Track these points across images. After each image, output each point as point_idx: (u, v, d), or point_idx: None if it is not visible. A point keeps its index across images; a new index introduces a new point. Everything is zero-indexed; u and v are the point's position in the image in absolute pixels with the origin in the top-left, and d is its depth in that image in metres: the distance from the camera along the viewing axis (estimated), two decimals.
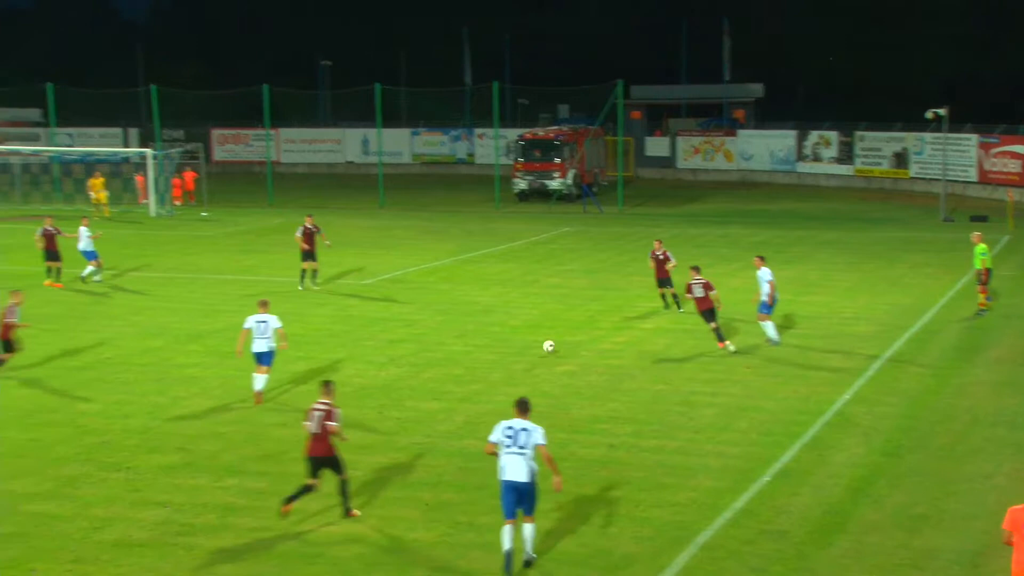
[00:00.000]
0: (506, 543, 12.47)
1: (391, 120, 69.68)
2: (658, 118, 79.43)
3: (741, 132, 69.60)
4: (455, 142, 75.03)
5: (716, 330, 23.12)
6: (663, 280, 27.28)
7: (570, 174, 55.89)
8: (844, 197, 57.01)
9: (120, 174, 54.24)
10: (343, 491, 14.22)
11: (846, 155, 62.10)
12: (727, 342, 23.10)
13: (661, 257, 27.41)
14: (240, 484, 15.35)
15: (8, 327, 20.96)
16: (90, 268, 31.85)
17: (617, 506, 14.60)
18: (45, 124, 69.30)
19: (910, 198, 55.63)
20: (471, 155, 74.28)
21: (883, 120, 62.16)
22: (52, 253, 31.54)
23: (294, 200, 56.24)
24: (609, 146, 63.03)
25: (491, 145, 64.07)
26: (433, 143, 75.32)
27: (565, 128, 61.09)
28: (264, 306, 19.74)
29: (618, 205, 52.34)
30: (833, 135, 63.14)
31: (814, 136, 64.15)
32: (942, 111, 46.96)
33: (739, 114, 78.83)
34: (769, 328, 23.39)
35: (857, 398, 19.65)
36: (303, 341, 24.36)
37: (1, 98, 76.85)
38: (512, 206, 54.23)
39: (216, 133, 77.45)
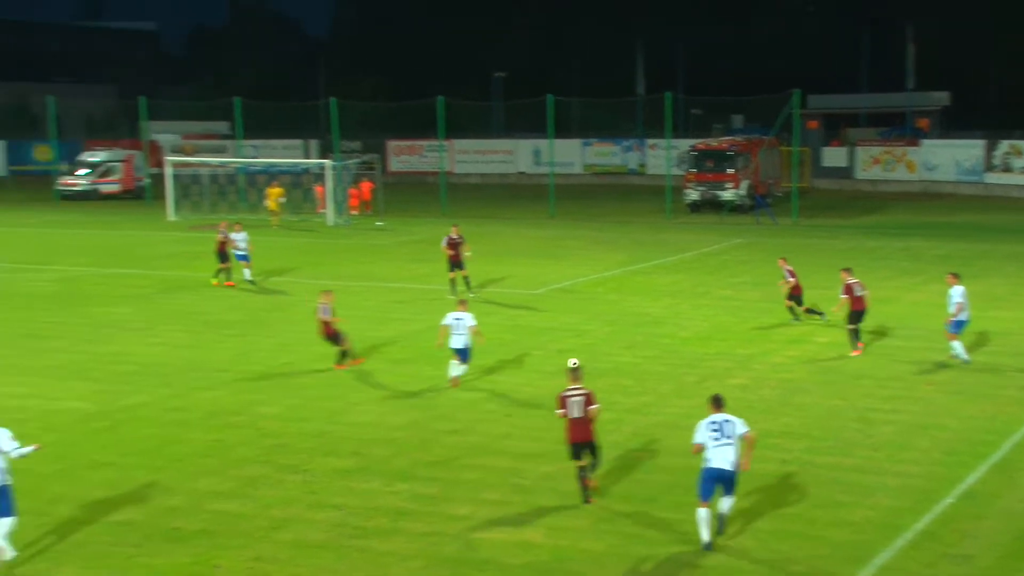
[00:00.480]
0: (704, 529, 13.43)
1: (563, 131, 69.97)
2: (836, 128, 77.41)
3: (925, 142, 67.23)
4: (627, 153, 74.88)
5: (856, 332, 23.26)
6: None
7: (743, 185, 55.08)
8: None
9: (300, 184, 56.22)
10: (593, 468, 15.08)
11: None
12: (860, 348, 23.23)
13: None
14: (411, 489, 15.63)
15: (326, 323, 22.54)
16: (246, 271, 33.57)
17: (790, 523, 14.24)
18: (232, 136, 72.45)
19: None
20: (642, 166, 73.99)
21: None
22: (223, 255, 33.67)
23: (466, 210, 57.07)
24: (784, 156, 61.78)
25: (663, 156, 63.65)
26: (604, 154, 75.34)
27: (739, 138, 60.31)
28: (463, 304, 21.52)
29: (792, 216, 51.23)
30: None
31: (1004, 146, 61.37)
32: None
33: (923, 123, 76.10)
34: (957, 347, 22.49)
35: None
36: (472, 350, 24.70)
37: (193, 112, 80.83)
38: (683, 217, 53.71)
39: (392, 144, 79.39)
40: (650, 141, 73.07)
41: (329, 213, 51.37)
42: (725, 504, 13.66)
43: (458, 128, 74.17)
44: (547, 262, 38.24)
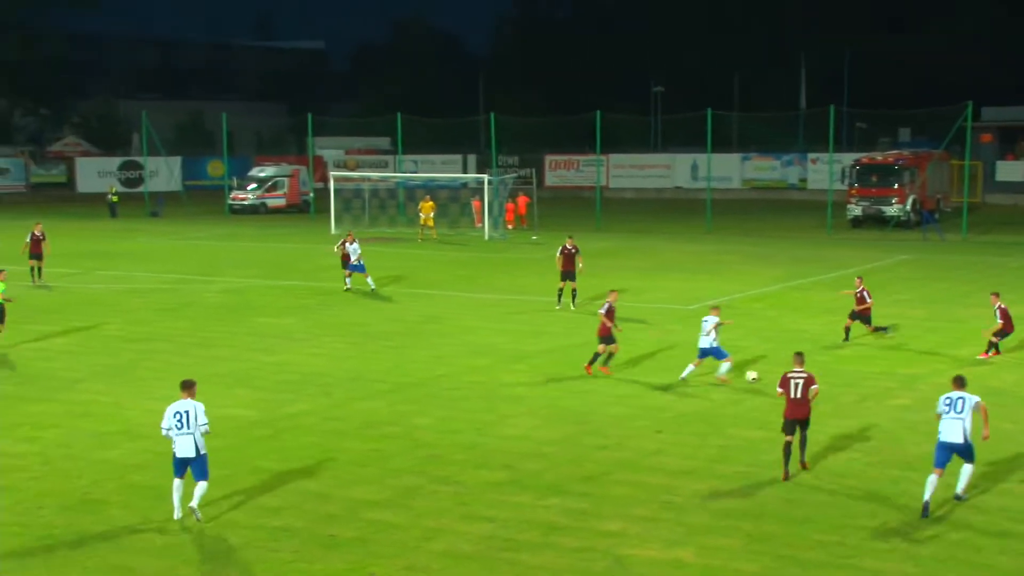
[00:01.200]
0: (928, 490, 14.99)
1: (721, 145, 69.15)
2: (1012, 141, 74.21)
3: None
4: (787, 167, 73.57)
5: (995, 344, 24.45)
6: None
7: (909, 200, 53.44)
8: None
9: (458, 199, 57.05)
10: (803, 445, 17.02)
11: None
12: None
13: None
14: (562, 504, 15.64)
15: (603, 322, 23.43)
16: (368, 280, 34.91)
17: (956, 550, 13.71)
18: (393, 152, 74.13)
19: None
20: (803, 180, 72.58)
21: None
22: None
23: (621, 224, 56.94)
24: (955, 171, 59.63)
25: (824, 170, 62.30)
26: (764, 168, 74.17)
27: (906, 152, 58.56)
28: (715, 310, 23.07)
29: (962, 233, 49.38)
30: None
31: None
32: None
33: (986, 138, 72.44)
34: None
35: None
36: (622, 366, 24.59)
37: (357, 128, 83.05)
38: (844, 232, 52.38)
39: (548, 159, 79.89)
40: (811, 155, 71.66)
41: (486, 227, 51.99)
42: (966, 471, 15.48)
43: (615, 142, 74.15)
44: (703, 277, 37.82)
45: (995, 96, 73.82)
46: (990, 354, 24.81)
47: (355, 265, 34.98)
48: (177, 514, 14.94)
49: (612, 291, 24.41)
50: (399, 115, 61.74)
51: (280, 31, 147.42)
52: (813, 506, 15.36)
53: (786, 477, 16.51)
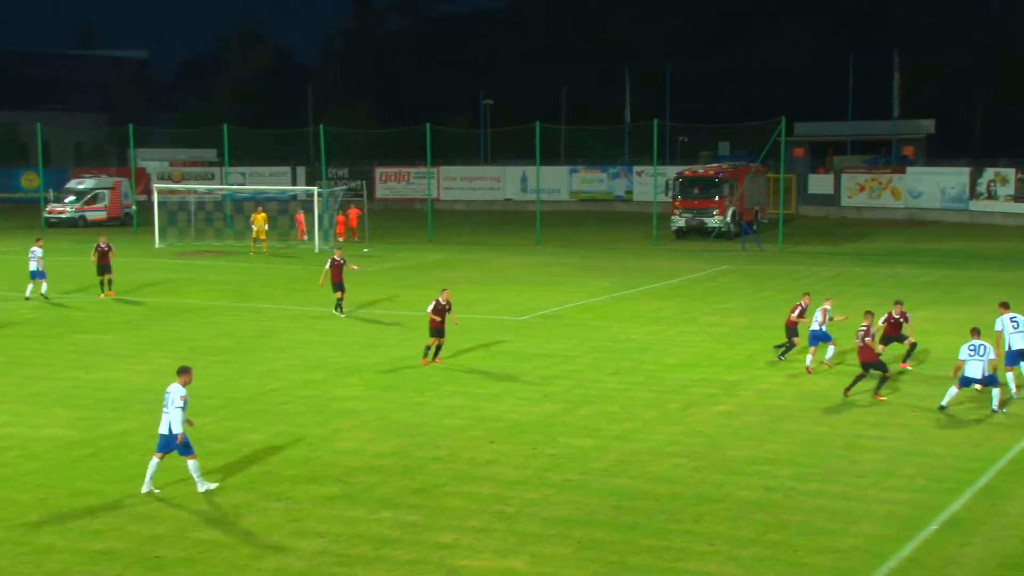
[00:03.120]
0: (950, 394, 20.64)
1: (550, 158, 70.25)
2: (822, 155, 77.79)
3: (910, 169, 67.60)
4: (613, 179, 75.10)
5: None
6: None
7: (729, 211, 55.28)
8: (1022, 237, 54.58)
9: (288, 211, 56.17)
10: (881, 382, 21.73)
11: None
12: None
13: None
14: (395, 517, 15.54)
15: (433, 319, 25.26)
16: (44, 286, 35.58)
17: (775, 550, 14.21)
18: (220, 163, 72.46)
19: None
20: (629, 192, 74.20)
21: None
22: (103, 268, 36.69)
23: (453, 236, 57.12)
24: (770, 183, 62.04)
25: (650, 182, 63.90)
26: (591, 180, 75.54)
27: (725, 165, 60.54)
28: (829, 300, 26.34)
29: (778, 243, 51.41)
30: (1010, 172, 60.60)
31: (989, 173, 61.74)
32: None
33: (908, 151, 76.56)
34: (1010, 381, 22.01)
35: None
36: (454, 375, 24.68)
37: (182, 139, 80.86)
38: (669, 243, 53.85)
39: (379, 171, 79.48)
40: (637, 168, 73.32)
41: (316, 239, 51.32)
42: (995, 394, 20.61)
43: (445, 155, 74.38)
44: (533, 289, 38.26)
45: (807, 113, 77.31)
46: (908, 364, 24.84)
47: (37, 272, 35.15)
48: (146, 487, 16.41)
49: (444, 289, 26.14)
50: (225, 126, 60.41)
51: (102, 40, 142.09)
52: (641, 512, 15.69)
53: (845, 394, 22.08)
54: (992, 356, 20.55)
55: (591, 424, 20.43)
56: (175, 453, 16.52)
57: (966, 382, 20.61)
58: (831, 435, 19.56)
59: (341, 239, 54.28)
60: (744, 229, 52.98)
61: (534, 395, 22.68)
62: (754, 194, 58.74)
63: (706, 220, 55.11)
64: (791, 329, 25.85)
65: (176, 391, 16.38)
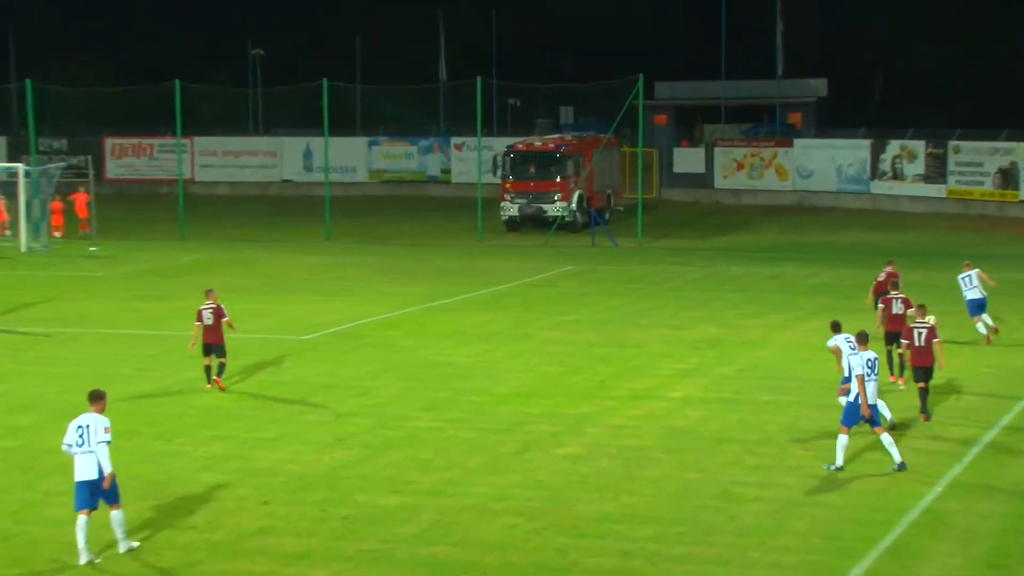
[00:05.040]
0: (843, 446, 20.71)
1: (342, 127, 69.82)
2: (690, 124, 79.91)
3: (798, 142, 69.84)
4: (425, 155, 75.19)
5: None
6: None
7: (574, 196, 56.01)
8: (933, 226, 57.12)
9: None
10: (923, 396, 23.66)
11: (936, 172, 62.27)
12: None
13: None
14: None
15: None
16: None
17: None
18: None
19: (1022, 228, 55.76)
20: (446, 172, 74.42)
21: (986, 126, 62.38)
22: None
23: (213, 229, 56.17)
24: (626, 160, 63.22)
25: (472, 159, 64.20)
26: (396, 156, 75.45)
27: (568, 137, 61.40)
28: (967, 265, 31.06)
29: (637, 237, 52.39)
30: (919, 146, 63.35)
31: (894, 147, 64.38)
32: None
33: (795, 119, 79.25)
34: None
35: (952, 491, 19.50)
36: (215, 414, 24.32)
37: None
38: (499, 238, 54.27)
39: (111, 143, 77.38)
40: (455, 140, 73.57)
41: (22, 235, 49.63)
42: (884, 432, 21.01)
43: (202, 122, 73.05)
44: (321, 299, 37.96)
45: (671, 71, 79.02)
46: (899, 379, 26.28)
47: None
48: (84, 558, 16.54)
49: (209, 290, 26.94)
50: None
51: None
52: None
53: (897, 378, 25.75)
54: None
55: (398, 475, 20.32)
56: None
57: (851, 414, 20.77)
58: (703, 483, 19.94)
59: (57, 235, 52.68)
60: (593, 219, 53.73)
61: (323, 439, 22.46)
62: (606, 174, 59.70)
63: (545, 207, 55.70)
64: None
65: (98, 422, 16.91)
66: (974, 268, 31.31)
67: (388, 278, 42.40)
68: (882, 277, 30.31)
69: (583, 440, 22.42)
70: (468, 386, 26.54)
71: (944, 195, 61.93)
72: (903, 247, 49.83)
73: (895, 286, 27.66)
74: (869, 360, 20.68)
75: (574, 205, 55.92)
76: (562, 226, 55.05)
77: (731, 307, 35.73)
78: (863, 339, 21.06)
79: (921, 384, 23.61)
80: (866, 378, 20.51)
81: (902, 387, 25.72)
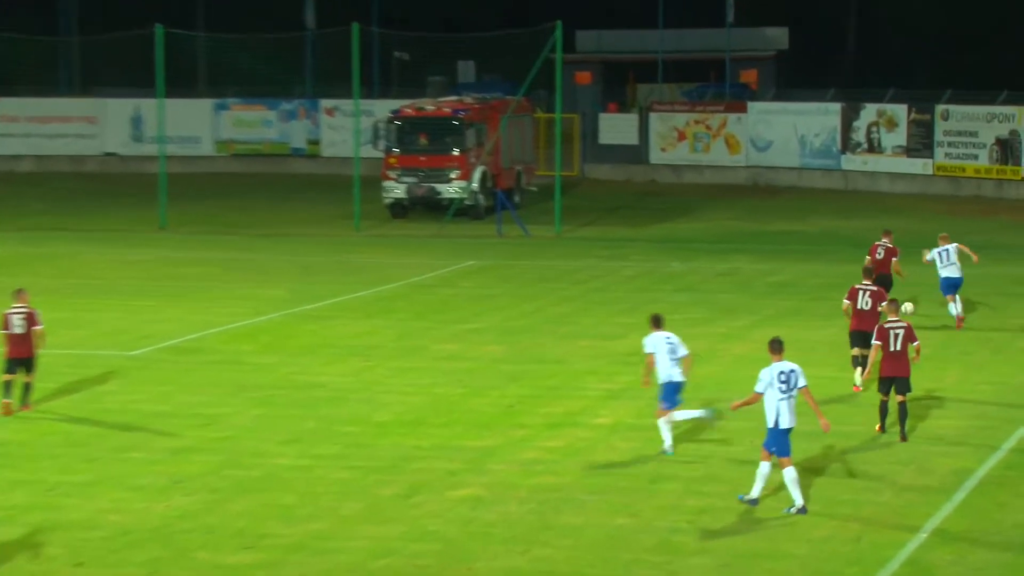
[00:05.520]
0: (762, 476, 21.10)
1: (182, 87, 69.20)
2: (620, 83, 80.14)
3: (753, 106, 70.33)
4: (287, 122, 74.77)
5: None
6: None
7: (476, 174, 55.91)
8: (917, 210, 57.53)
9: None
10: (902, 417, 24.24)
11: (921, 143, 62.94)
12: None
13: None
14: None
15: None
16: None
17: None
18: None
19: (1023, 211, 56.55)
20: (314, 143, 74.07)
21: (982, 86, 63.08)
22: None
23: (15, 215, 55.45)
24: (541, 129, 63.30)
25: (347, 127, 63.93)
26: (251, 123, 74.96)
27: (469, 99, 61.15)
28: (944, 237, 32.83)
29: (555, 225, 52.45)
30: (900, 110, 64.04)
31: (870, 112, 64.98)
32: None
33: (749, 77, 79.79)
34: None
35: (940, 538, 19.71)
36: (14, 452, 24.11)
37: None
38: (381, 226, 54.24)
39: None
40: (326, 103, 73.22)
41: None
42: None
43: None
44: (154, 304, 37.71)
45: (595, 18, 79.13)
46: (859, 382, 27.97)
47: None
48: None
49: (18, 290, 26.83)
50: None
51: None
52: None
53: (882, 429, 24.59)
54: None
55: (252, 527, 20.18)
56: None
57: (774, 440, 21.07)
58: (636, 531, 19.97)
59: None
60: (500, 202, 53.64)
61: (155, 482, 22.26)
62: (515, 145, 59.66)
63: (439, 188, 55.57)
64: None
65: None
66: (952, 242, 33.53)
67: (240, 277, 42.23)
68: (880, 255, 32.05)
69: (486, 479, 22.37)
70: (341, 413, 26.47)
71: (931, 171, 62.66)
72: (877, 237, 50.22)
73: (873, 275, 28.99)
74: (781, 373, 20.76)
75: (476, 185, 55.81)
76: (461, 211, 54.97)
77: (672, 312, 35.53)
78: (776, 347, 21.09)
79: (899, 398, 24.19)
80: (780, 395, 20.66)
81: (858, 380, 27.63)
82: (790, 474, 20.50)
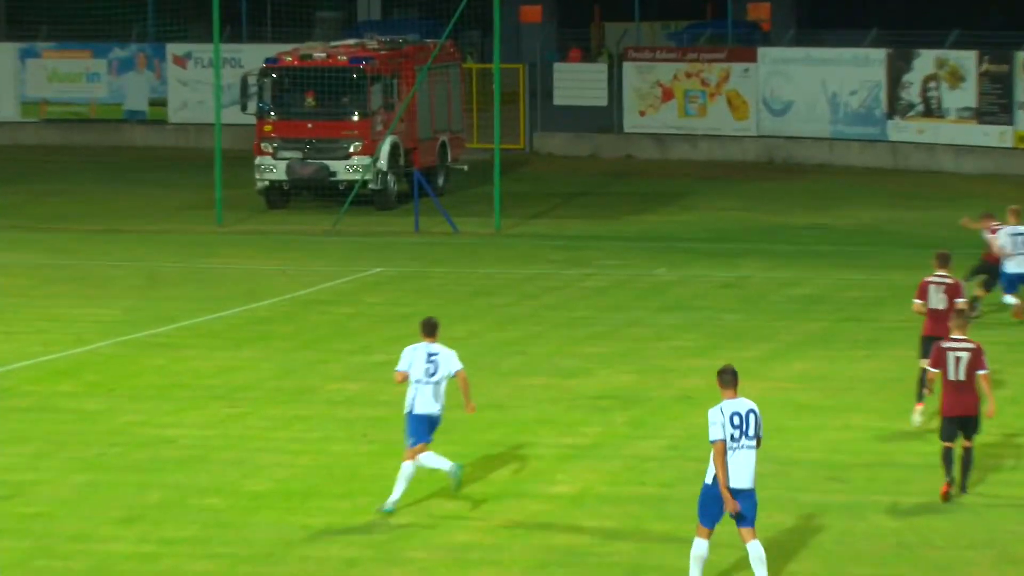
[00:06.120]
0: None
1: None
2: (581, 23, 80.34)
3: (766, 53, 70.67)
4: (122, 75, 74.73)
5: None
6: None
7: (384, 147, 55.95)
8: (991, 196, 57.45)
9: None
10: (966, 465, 24.74)
11: (997, 104, 63.32)
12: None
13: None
14: None
15: None
16: None
17: None
18: None
19: None
20: (158, 104, 74.00)
21: None
22: None
23: None
24: (474, 85, 63.31)
25: (205, 81, 63.87)
26: (71, 76, 74.92)
27: (373, 44, 61.18)
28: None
29: (494, 218, 52.48)
30: (968, 59, 64.44)
31: (927, 61, 65.37)
32: None
33: (760, 12, 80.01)
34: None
35: None
36: None
37: None
38: (253, 219, 54.36)
39: None
40: (174, 49, 73.19)
41: None
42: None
43: None
44: None
45: None
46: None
47: None
48: None
49: None
50: None
51: None
52: None
53: (949, 487, 24.31)
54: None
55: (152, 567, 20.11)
56: None
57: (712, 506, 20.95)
58: None
59: None
60: (417, 185, 53.70)
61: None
62: (438, 108, 59.78)
63: (333, 166, 55.54)
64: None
65: None
66: None
67: (57, 291, 42.21)
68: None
69: (400, 572, 22.38)
70: (199, 480, 26.36)
71: (1010, 143, 63.07)
72: (939, 234, 50.26)
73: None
74: (736, 415, 20.49)
75: (383, 162, 55.89)
76: (363, 198, 55.00)
77: (657, 337, 35.95)
78: (727, 379, 20.88)
79: (966, 444, 24.51)
80: (730, 445, 20.43)
81: (917, 420, 27.98)
82: (755, 551, 20.53)
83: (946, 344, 24.46)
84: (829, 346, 35.43)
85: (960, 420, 24.22)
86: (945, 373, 24.20)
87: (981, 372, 24.18)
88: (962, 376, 24.08)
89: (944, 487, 24.31)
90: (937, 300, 28.07)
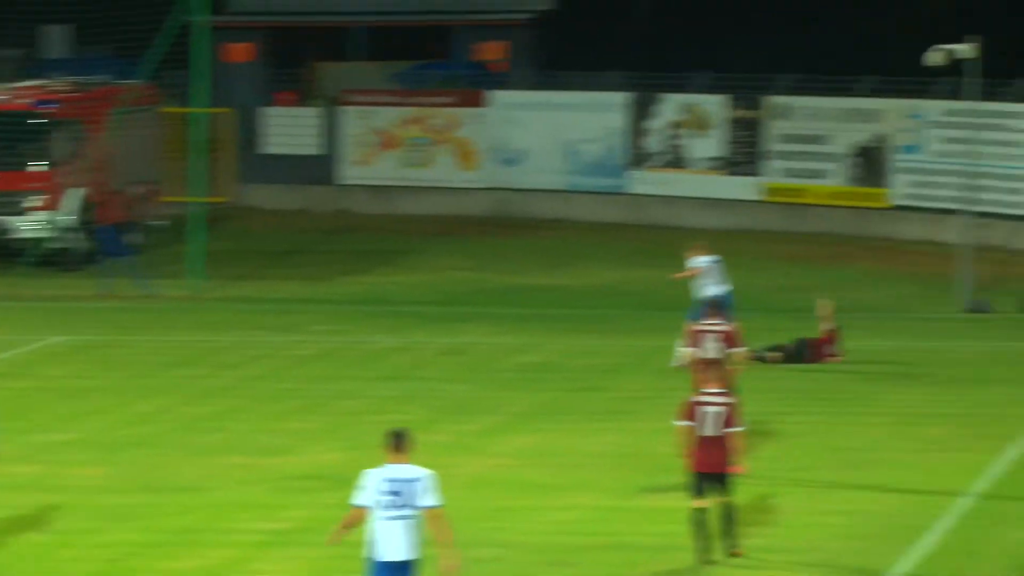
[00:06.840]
0: None
1: None
2: (295, 62, 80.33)
3: (497, 97, 70.94)
4: None
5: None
6: None
7: (71, 201, 55.47)
8: (741, 254, 58.22)
9: None
10: (729, 521, 24.88)
11: (746, 153, 64.09)
12: None
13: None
14: None
15: None
16: None
17: None
18: None
19: (892, 253, 57.88)
20: None
21: (835, 71, 64.42)
22: None
23: None
24: (175, 131, 63.08)
25: None
26: None
27: (60, 84, 60.76)
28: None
29: (194, 279, 52.22)
30: (714, 103, 65.15)
31: (672, 105, 65.91)
32: (964, 48, 48.94)
33: (492, 52, 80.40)
34: None
35: None
36: None
37: None
38: None
39: None
40: None
41: None
42: None
43: None
44: None
45: None
46: None
47: None
48: None
49: None
50: None
51: None
52: None
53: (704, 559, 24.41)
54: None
55: None
56: None
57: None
58: None
59: None
60: (107, 242, 53.32)
61: None
62: (133, 158, 59.39)
63: (10, 224, 54.93)
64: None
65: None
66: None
67: None
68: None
69: None
70: None
71: (761, 196, 63.92)
72: (678, 294, 50.45)
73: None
74: (389, 480, 20.29)
75: (70, 217, 55.41)
76: (46, 259, 54.47)
77: (371, 411, 35.88)
78: (392, 443, 20.42)
79: (723, 498, 24.83)
80: (383, 514, 20.25)
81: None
82: None
83: (698, 399, 25.00)
84: (560, 419, 35.60)
85: (712, 477, 24.59)
86: (695, 426, 24.58)
87: (733, 428, 24.70)
88: (714, 431, 24.52)
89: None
90: (709, 348, 28.71)
